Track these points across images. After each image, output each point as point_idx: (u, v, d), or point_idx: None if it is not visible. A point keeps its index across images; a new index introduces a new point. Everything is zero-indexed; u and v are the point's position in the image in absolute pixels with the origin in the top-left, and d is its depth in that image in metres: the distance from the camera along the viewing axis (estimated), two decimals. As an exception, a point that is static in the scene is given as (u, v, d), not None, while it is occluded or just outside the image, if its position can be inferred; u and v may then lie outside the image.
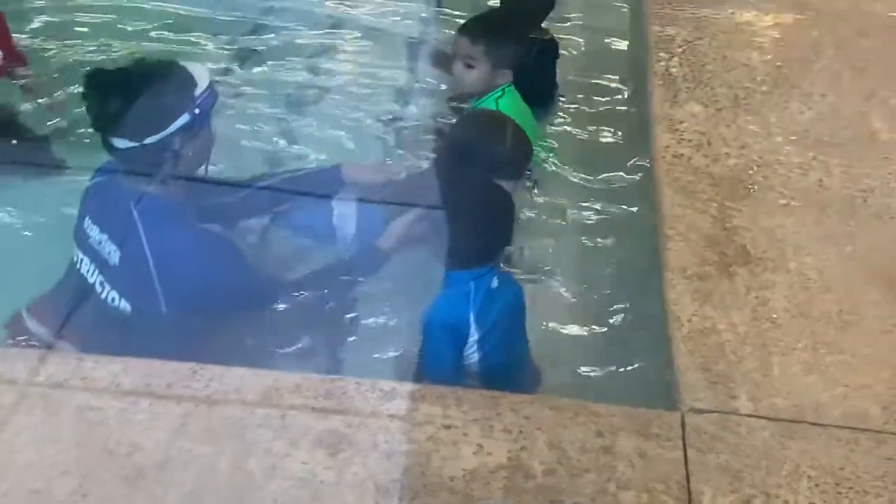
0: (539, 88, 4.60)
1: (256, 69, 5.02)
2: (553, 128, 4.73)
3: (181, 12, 5.39)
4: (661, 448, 2.76)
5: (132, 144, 3.23)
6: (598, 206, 4.32)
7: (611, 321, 3.80)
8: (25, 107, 4.57)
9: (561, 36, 5.09)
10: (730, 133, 4.07)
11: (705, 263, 3.42)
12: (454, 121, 4.44)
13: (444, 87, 4.82)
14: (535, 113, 4.30)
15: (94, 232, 3.33)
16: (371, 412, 2.79)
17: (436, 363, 3.22)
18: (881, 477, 2.74)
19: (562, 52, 4.98)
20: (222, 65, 4.96)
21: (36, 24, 5.23)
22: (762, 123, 4.13)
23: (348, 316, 3.62)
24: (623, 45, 5.31)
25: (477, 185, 3.42)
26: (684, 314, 3.22)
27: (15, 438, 2.67)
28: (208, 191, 3.50)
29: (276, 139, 4.52)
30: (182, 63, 3.44)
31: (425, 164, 4.17)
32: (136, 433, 2.69)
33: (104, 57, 4.88)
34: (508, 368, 3.28)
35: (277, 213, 3.83)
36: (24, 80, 4.54)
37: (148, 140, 3.23)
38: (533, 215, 4.15)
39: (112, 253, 3.29)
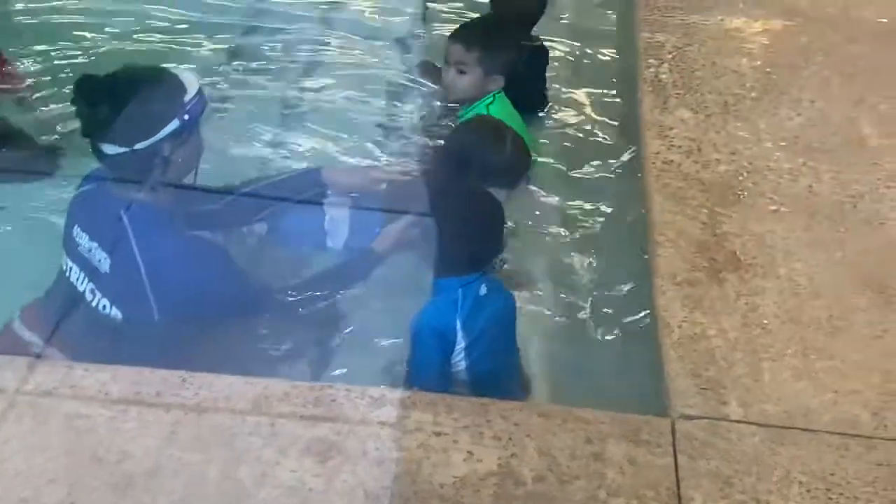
0: (529, 95, 4.60)
1: (245, 75, 5.01)
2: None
3: (169, 16, 5.37)
4: (652, 454, 2.76)
5: (122, 150, 3.22)
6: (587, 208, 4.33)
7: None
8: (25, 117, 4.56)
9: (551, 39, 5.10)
10: (719, 139, 4.07)
11: (695, 269, 3.42)
12: (447, 127, 4.44)
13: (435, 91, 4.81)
14: (525, 119, 4.30)
15: (83, 240, 3.32)
16: (361, 419, 2.78)
17: (423, 370, 3.22)
18: (871, 482, 2.74)
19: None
20: (211, 68, 4.94)
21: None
22: (752, 129, 4.14)
23: (340, 322, 3.61)
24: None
25: (468, 191, 3.42)
26: (674, 320, 3.22)
27: (3, 447, 2.65)
28: (193, 198, 3.48)
29: (265, 144, 4.51)
30: (171, 69, 3.44)
31: (408, 169, 4.17)
32: (126, 441, 2.68)
33: (88, 59, 4.88)
34: (497, 376, 3.27)
35: (273, 221, 3.82)
36: (20, 94, 4.54)
37: (138, 145, 3.22)
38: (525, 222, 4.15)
39: (102, 261, 3.28)
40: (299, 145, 4.52)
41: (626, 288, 3.84)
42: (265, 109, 4.75)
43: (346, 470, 2.63)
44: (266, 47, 5.25)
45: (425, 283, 3.36)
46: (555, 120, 4.86)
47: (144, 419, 2.74)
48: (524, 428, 2.80)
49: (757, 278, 3.40)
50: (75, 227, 3.36)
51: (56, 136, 4.40)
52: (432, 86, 4.81)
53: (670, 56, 4.61)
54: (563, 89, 5.03)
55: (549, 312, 3.80)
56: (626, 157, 4.47)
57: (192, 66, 4.63)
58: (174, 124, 3.24)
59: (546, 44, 4.92)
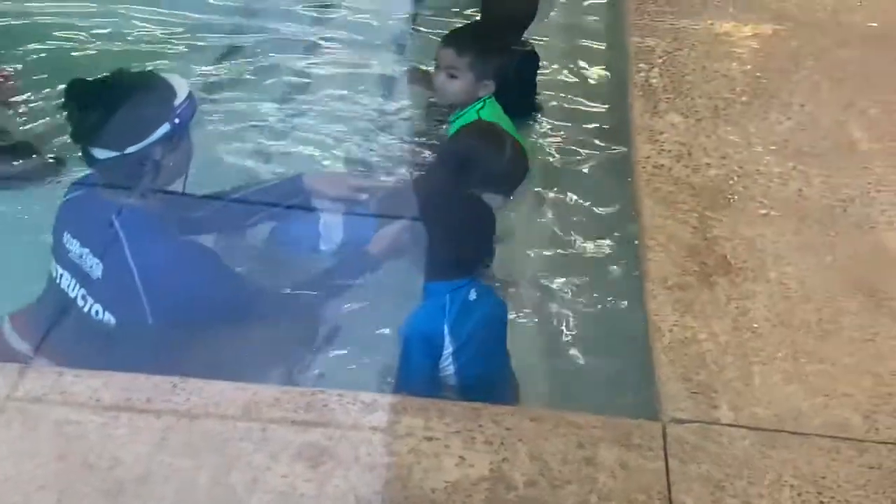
0: (519, 100, 4.60)
1: (235, 82, 5.01)
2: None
3: (161, 18, 5.37)
4: (643, 458, 2.76)
5: (113, 154, 3.22)
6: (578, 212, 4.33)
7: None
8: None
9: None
10: (710, 143, 4.08)
11: (686, 273, 3.43)
12: (437, 131, 4.44)
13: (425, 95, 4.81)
14: (515, 124, 4.30)
15: (74, 246, 3.31)
16: (352, 424, 2.78)
17: (411, 375, 3.22)
18: (863, 486, 2.74)
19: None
20: (200, 73, 4.94)
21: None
22: (742, 134, 4.15)
23: (332, 326, 3.61)
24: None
25: (458, 196, 3.42)
26: (665, 324, 3.22)
27: (-6, 453, 2.66)
28: (181, 203, 3.48)
29: (254, 148, 4.52)
30: (161, 73, 3.45)
31: (390, 178, 4.17)
32: (116, 447, 2.68)
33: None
34: (485, 381, 3.27)
35: (266, 225, 3.81)
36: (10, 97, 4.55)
37: (129, 150, 3.22)
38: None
39: (94, 267, 3.28)
40: (289, 150, 4.52)
41: (617, 292, 3.84)
42: (255, 113, 4.75)
43: (338, 475, 2.63)
44: (258, 50, 5.25)
45: (418, 286, 3.36)
46: (545, 125, 4.85)
47: (135, 425, 2.74)
48: (516, 432, 2.80)
49: (747, 282, 3.41)
50: (65, 233, 3.35)
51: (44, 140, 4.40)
52: (422, 91, 4.81)
53: (661, 60, 4.61)
54: (553, 94, 5.03)
55: (538, 319, 3.80)
56: (616, 161, 4.46)
57: (180, 69, 4.64)
58: (165, 128, 3.25)
59: (536, 48, 4.92)
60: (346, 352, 3.59)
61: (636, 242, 3.66)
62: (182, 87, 3.32)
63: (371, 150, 4.59)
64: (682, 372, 3.06)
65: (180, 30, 5.36)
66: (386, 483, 2.62)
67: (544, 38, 5.31)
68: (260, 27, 5.46)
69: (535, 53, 4.89)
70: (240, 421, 2.77)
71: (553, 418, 2.88)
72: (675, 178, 3.87)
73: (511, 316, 3.53)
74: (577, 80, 5.20)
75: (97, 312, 3.28)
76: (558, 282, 4.00)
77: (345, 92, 4.96)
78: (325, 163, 4.44)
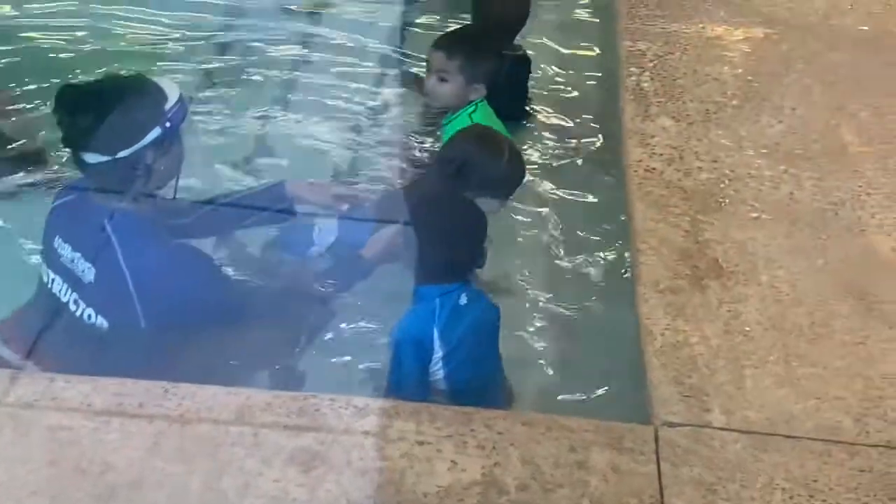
0: (511, 104, 4.61)
1: (225, 86, 5.01)
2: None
3: (150, 25, 5.37)
4: (635, 462, 2.76)
5: (104, 159, 3.22)
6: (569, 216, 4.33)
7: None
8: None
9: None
10: (701, 147, 4.08)
11: (678, 277, 3.43)
12: (429, 134, 4.44)
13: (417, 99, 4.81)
14: (508, 128, 4.30)
15: (65, 251, 3.31)
16: (344, 429, 2.78)
17: (401, 379, 3.21)
18: (854, 489, 2.75)
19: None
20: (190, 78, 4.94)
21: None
22: (733, 137, 4.15)
23: (325, 330, 3.61)
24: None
25: (450, 200, 3.41)
26: (657, 328, 3.23)
27: (-15, 459, 2.65)
28: (169, 208, 3.48)
29: (245, 152, 4.51)
30: (151, 77, 3.45)
31: (371, 188, 4.18)
32: (108, 453, 2.67)
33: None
34: (476, 385, 3.27)
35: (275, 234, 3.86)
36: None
37: (120, 154, 3.22)
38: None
39: (86, 271, 3.27)
40: (279, 153, 4.52)
41: (609, 297, 3.84)
42: (245, 117, 4.74)
43: (330, 480, 2.63)
44: (249, 53, 5.25)
45: (411, 290, 3.36)
46: (536, 129, 4.86)
47: (127, 430, 2.74)
48: (508, 437, 2.80)
49: (739, 285, 3.42)
50: (56, 238, 3.35)
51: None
52: (414, 94, 4.81)
53: (652, 64, 4.61)
54: (545, 98, 5.03)
55: (530, 321, 3.81)
56: (607, 164, 4.47)
57: (171, 74, 4.66)
58: (156, 132, 3.24)
59: (528, 53, 4.93)
60: (338, 356, 3.59)
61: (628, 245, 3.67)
62: (173, 90, 3.32)
63: (362, 153, 4.59)
64: (673, 375, 3.06)
65: (169, 32, 5.35)
66: (378, 487, 2.63)
67: (539, 40, 5.31)
68: (250, 28, 5.45)
69: (527, 58, 4.89)
70: (232, 426, 2.77)
71: (545, 422, 2.88)
72: (667, 181, 3.88)
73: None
74: (570, 83, 5.20)
75: (90, 316, 3.28)
76: (551, 284, 4.00)
77: (336, 94, 4.96)
78: (315, 167, 4.42)
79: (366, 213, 3.83)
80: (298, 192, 3.84)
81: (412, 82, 4.85)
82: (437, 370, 3.21)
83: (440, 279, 3.23)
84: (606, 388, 3.53)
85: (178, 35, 5.31)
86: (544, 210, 4.36)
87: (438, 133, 4.33)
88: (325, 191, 3.91)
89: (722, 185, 3.87)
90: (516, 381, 3.48)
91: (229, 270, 3.66)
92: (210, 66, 5.15)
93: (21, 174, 4.26)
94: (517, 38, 4.81)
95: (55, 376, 2.93)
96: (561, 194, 4.46)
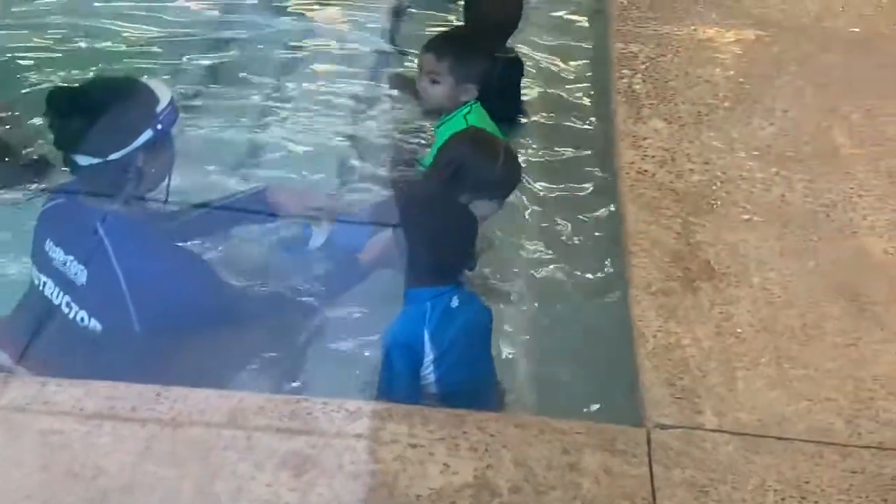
0: (504, 106, 4.61)
1: (215, 90, 5.01)
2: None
3: (140, 32, 5.37)
4: (627, 464, 2.76)
5: (95, 161, 3.22)
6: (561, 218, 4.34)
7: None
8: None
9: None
10: (693, 149, 4.09)
11: (670, 279, 3.44)
12: (422, 137, 4.44)
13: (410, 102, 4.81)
14: (501, 130, 4.30)
15: (57, 254, 3.31)
16: (336, 432, 2.78)
17: (392, 382, 3.21)
18: (846, 490, 2.76)
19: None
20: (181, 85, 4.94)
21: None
22: (725, 139, 4.16)
23: (319, 333, 3.60)
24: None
25: (439, 202, 3.42)
26: (649, 330, 3.23)
27: (-23, 463, 2.65)
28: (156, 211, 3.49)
29: (234, 155, 4.51)
30: (143, 80, 3.45)
31: (352, 199, 4.18)
32: (100, 457, 2.67)
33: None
34: (467, 389, 3.26)
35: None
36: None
37: (112, 156, 3.22)
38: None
39: (79, 273, 3.27)
40: (269, 157, 4.52)
41: (602, 300, 3.84)
42: (235, 122, 4.74)
43: (322, 483, 2.63)
44: (240, 58, 5.24)
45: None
46: (529, 131, 4.86)
47: (119, 434, 2.73)
48: (500, 439, 2.80)
49: (730, 287, 3.42)
50: (47, 241, 3.34)
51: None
52: (406, 96, 4.81)
53: (644, 66, 4.63)
54: (537, 100, 5.03)
55: (522, 324, 3.81)
56: (599, 167, 4.47)
57: (164, 76, 4.66)
58: (147, 134, 3.24)
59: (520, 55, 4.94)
60: (331, 359, 3.58)
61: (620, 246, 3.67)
62: (164, 92, 3.32)
63: (354, 155, 4.59)
64: (665, 377, 3.07)
65: (161, 34, 5.35)
66: (370, 490, 2.63)
67: (531, 42, 5.32)
68: (242, 28, 5.45)
69: (520, 60, 4.90)
70: (224, 429, 2.77)
71: (537, 424, 2.89)
72: (659, 183, 3.88)
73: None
74: (562, 84, 5.20)
75: (82, 319, 3.28)
76: (542, 286, 4.00)
77: (327, 95, 4.96)
78: (304, 172, 4.43)
79: (363, 217, 3.85)
80: (278, 199, 3.85)
81: (404, 84, 4.85)
82: (429, 373, 3.21)
83: (430, 281, 3.23)
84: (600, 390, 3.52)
85: (169, 33, 5.31)
86: (537, 211, 4.35)
87: (432, 134, 4.33)
88: (305, 198, 3.92)
89: (714, 187, 3.88)
90: (507, 383, 3.49)
91: (234, 273, 3.66)
92: (202, 64, 5.15)
93: (31, 185, 4.24)
94: (510, 40, 4.81)
95: (47, 380, 2.93)
96: (554, 196, 4.46)
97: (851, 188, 3.92)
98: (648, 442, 2.85)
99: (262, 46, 5.32)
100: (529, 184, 4.37)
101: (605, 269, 3.96)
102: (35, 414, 2.79)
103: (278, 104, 4.92)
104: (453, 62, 4.12)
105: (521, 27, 4.87)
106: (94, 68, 4.84)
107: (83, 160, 3.23)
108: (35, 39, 5.23)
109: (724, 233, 3.66)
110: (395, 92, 4.94)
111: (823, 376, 3.12)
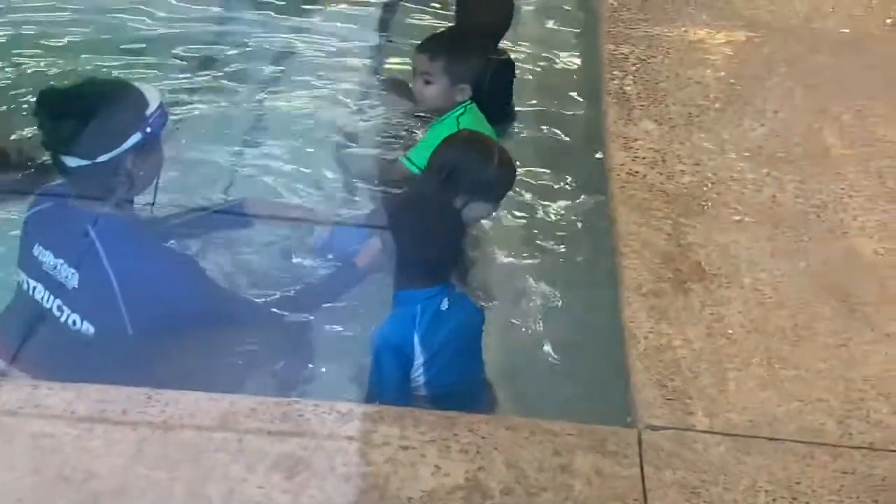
0: (496, 107, 4.61)
1: (207, 93, 5.00)
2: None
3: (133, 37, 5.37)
4: (619, 465, 2.77)
5: (84, 163, 3.21)
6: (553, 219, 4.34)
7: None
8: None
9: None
10: (684, 150, 4.10)
11: (660, 280, 3.44)
12: (416, 138, 4.45)
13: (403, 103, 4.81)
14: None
15: (46, 258, 3.30)
16: (328, 434, 2.78)
17: (382, 384, 3.21)
18: (837, 491, 2.76)
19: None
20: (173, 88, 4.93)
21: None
22: (716, 140, 4.17)
23: (312, 336, 3.60)
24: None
25: (425, 202, 3.42)
26: (640, 331, 3.24)
27: (-32, 467, 2.64)
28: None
29: (226, 158, 4.50)
30: (133, 83, 3.45)
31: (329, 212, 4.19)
32: (92, 460, 2.67)
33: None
34: (456, 391, 3.26)
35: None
36: None
37: (100, 158, 3.21)
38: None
39: (70, 277, 3.26)
40: (260, 161, 4.52)
41: (592, 301, 3.84)
42: (227, 125, 4.73)
43: (314, 485, 2.63)
44: (231, 62, 5.23)
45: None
46: (521, 132, 4.86)
47: (110, 437, 2.73)
48: (491, 441, 2.80)
49: (721, 288, 3.43)
50: (36, 245, 3.33)
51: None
52: (399, 98, 4.81)
53: (634, 68, 4.63)
54: (529, 101, 5.04)
55: (512, 325, 3.82)
56: (591, 169, 4.47)
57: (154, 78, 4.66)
58: (136, 137, 3.24)
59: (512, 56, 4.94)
60: (323, 361, 3.58)
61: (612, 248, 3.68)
62: (153, 96, 3.32)
63: (346, 157, 4.59)
64: (657, 379, 3.07)
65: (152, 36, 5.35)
66: (362, 493, 2.62)
67: (522, 44, 5.32)
68: (234, 33, 5.45)
69: (511, 61, 4.90)
70: (215, 432, 2.76)
71: (529, 426, 2.88)
72: (650, 184, 3.89)
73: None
74: (554, 86, 5.20)
75: (74, 322, 3.27)
76: (535, 288, 4.01)
77: (320, 98, 4.96)
78: (300, 170, 4.43)
79: (359, 220, 3.86)
80: (257, 210, 3.86)
81: (397, 85, 4.85)
82: (418, 376, 3.21)
83: (420, 283, 3.23)
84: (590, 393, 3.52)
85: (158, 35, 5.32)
86: (527, 209, 4.36)
87: (425, 136, 4.33)
88: (283, 211, 3.95)
89: (705, 189, 3.88)
90: (497, 385, 3.49)
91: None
92: (194, 65, 5.16)
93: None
94: (501, 42, 4.82)
95: (38, 383, 2.93)
96: (546, 197, 4.46)
97: (842, 189, 3.93)
98: (640, 443, 2.85)
99: (252, 46, 5.33)
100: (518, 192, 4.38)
101: (596, 270, 3.96)
102: (26, 417, 2.78)
103: (266, 108, 4.92)
104: (446, 62, 4.14)
105: (511, 28, 4.87)
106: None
107: (72, 161, 3.22)
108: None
109: (715, 234, 3.66)
110: (387, 93, 4.93)
111: (814, 377, 3.13)
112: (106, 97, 3.28)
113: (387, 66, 5.29)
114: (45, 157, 3.40)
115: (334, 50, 5.36)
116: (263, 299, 3.63)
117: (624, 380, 3.11)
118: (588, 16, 5.53)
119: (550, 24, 5.72)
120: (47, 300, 3.32)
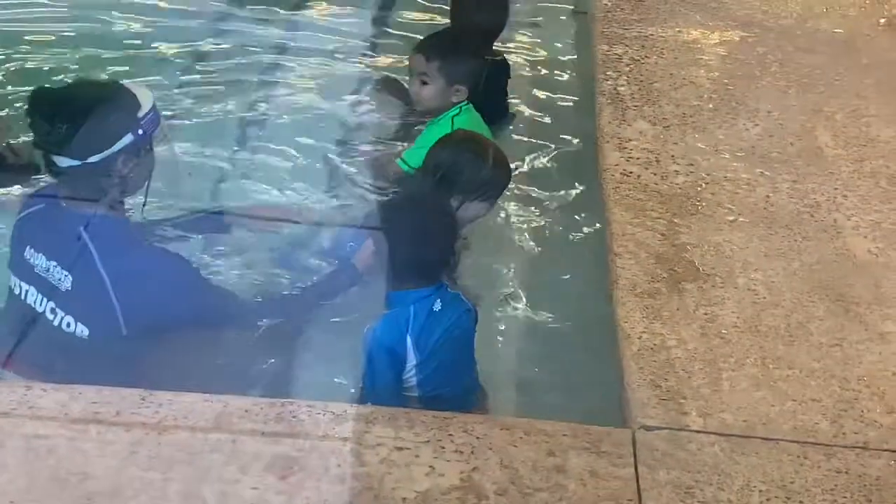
0: (492, 108, 4.61)
1: (201, 94, 4.99)
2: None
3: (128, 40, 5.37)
4: (613, 466, 2.77)
5: (75, 163, 3.21)
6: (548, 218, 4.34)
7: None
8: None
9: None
10: (678, 150, 4.10)
11: (655, 280, 3.45)
12: (411, 138, 4.45)
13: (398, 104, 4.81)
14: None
15: (39, 261, 3.29)
16: (322, 435, 2.78)
17: (375, 386, 3.21)
18: (831, 490, 2.76)
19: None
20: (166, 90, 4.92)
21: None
22: (709, 140, 4.18)
23: (306, 336, 3.60)
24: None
25: (418, 202, 3.43)
26: (634, 331, 3.24)
27: (-38, 469, 2.64)
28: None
29: (219, 160, 4.50)
30: (126, 84, 3.45)
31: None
32: (86, 461, 2.66)
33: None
34: (450, 392, 3.26)
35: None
36: None
37: (91, 159, 3.21)
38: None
39: (63, 279, 3.26)
40: (253, 162, 4.52)
41: (586, 301, 3.84)
42: (221, 127, 4.73)
43: (309, 486, 2.63)
44: (226, 62, 5.23)
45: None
46: (516, 132, 4.86)
47: (104, 439, 2.72)
48: (486, 441, 2.80)
49: (716, 288, 3.43)
50: (27, 248, 3.33)
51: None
52: (394, 100, 4.82)
53: (628, 68, 4.64)
54: (523, 102, 5.04)
55: (505, 325, 3.82)
56: (585, 169, 4.47)
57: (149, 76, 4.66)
58: (128, 139, 3.24)
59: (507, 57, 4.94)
60: (318, 361, 3.57)
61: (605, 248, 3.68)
62: (146, 98, 3.32)
63: (341, 159, 4.58)
64: (651, 379, 3.07)
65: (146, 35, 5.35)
66: (356, 494, 2.62)
67: (517, 44, 5.33)
68: (227, 33, 5.45)
69: (506, 62, 4.91)
70: (210, 433, 2.76)
71: (523, 426, 2.89)
72: (644, 185, 3.89)
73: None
74: (548, 87, 5.21)
75: (68, 324, 3.27)
76: (531, 286, 4.01)
77: (314, 99, 4.95)
78: (294, 171, 4.43)
79: (357, 221, 3.87)
80: (233, 221, 3.88)
81: (392, 86, 4.85)
82: (411, 377, 3.21)
83: (413, 284, 3.23)
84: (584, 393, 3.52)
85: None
86: (524, 212, 4.36)
87: (419, 132, 4.34)
88: (267, 214, 3.97)
89: (698, 189, 3.89)
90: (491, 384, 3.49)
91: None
92: (187, 66, 5.15)
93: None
94: (496, 43, 4.82)
95: (32, 384, 2.92)
96: (540, 197, 4.46)
97: (836, 188, 3.94)
98: (634, 443, 2.85)
99: (245, 49, 5.32)
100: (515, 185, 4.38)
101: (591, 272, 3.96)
102: (20, 419, 2.78)
103: (261, 106, 4.92)
104: (443, 62, 4.14)
105: (505, 29, 4.88)
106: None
107: (63, 161, 3.22)
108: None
109: (709, 234, 3.67)
110: (382, 93, 4.93)
111: (808, 377, 3.13)
112: (98, 98, 3.28)
113: (382, 65, 5.28)
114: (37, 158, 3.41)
115: (329, 48, 5.36)
116: (260, 299, 3.63)
117: (618, 380, 3.12)
118: (582, 16, 5.52)
119: (544, 24, 5.71)
120: (40, 303, 3.31)
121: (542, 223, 4.33)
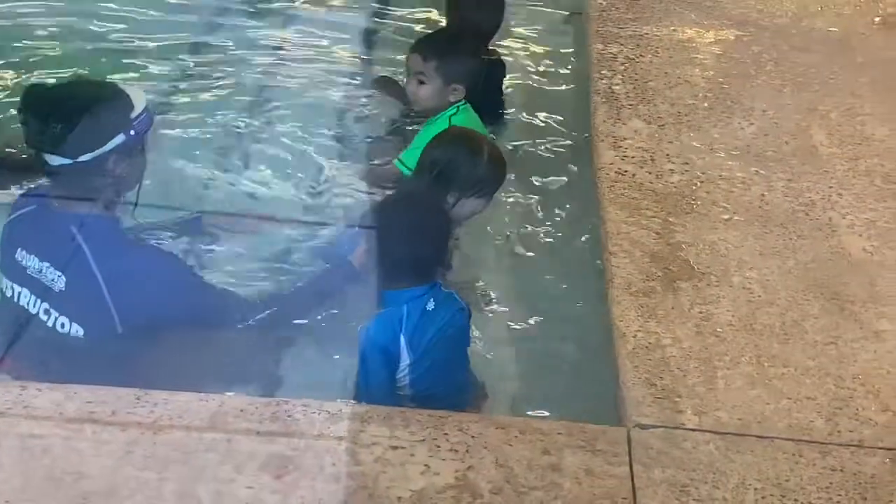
0: (488, 107, 4.61)
1: (196, 94, 4.99)
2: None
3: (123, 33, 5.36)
4: (608, 464, 2.77)
5: (66, 162, 3.21)
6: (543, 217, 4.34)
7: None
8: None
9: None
10: (673, 149, 4.11)
11: (650, 279, 3.45)
12: (409, 138, 4.45)
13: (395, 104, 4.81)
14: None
15: (31, 262, 3.29)
16: (317, 434, 2.78)
17: (369, 385, 3.21)
18: (826, 488, 2.77)
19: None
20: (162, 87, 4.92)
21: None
22: (705, 139, 4.18)
23: (302, 335, 3.60)
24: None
25: (413, 202, 3.43)
26: (629, 330, 3.24)
27: (-43, 469, 2.64)
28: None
29: (216, 160, 4.50)
30: (119, 84, 3.45)
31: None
32: (81, 461, 2.66)
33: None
34: (442, 391, 3.26)
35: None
36: None
37: (82, 158, 3.21)
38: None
39: (56, 280, 3.26)
40: (248, 162, 4.52)
41: (581, 299, 3.84)
42: (218, 126, 4.72)
43: (304, 485, 2.63)
44: (218, 67, 5.23)
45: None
46: (511, 132, 4.86)
47: (100, 438, 2.73)
48: (481, 440, 2.80)
49: (711, 287, 3.43)
50: (18, 250, 3.32)
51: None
52: (391, 100, 4.82)
53: (623, 67, 4.64)
54: (519, 101, 5.04)
55: (501, 323, 3.81)
56: (580, 168, 4.47)
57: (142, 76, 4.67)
58: (120, 138, 3.24)
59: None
60: (312, 359, 3.57)
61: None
62: (139, 99, 3.32)
63: (338, 158, 4.58)
64: (646, 377, 3.07)
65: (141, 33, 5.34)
66: (351, 493, 2.62)
67: (512, 44, 5.33)
68: (223, 28, 5.44)
69: (502, 61, 4.91)
70: (205, 432, 2.76)
71: (518, 425, 2.89)
72: (639, 184, 3.90)
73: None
74: (543, 86, 5.21)
75: (63, 325, 3.27)
76: (528, 285, 4.01)
77: (309, 99, 4.95)
78: (290, 173, 4.43)
79: (354, 220, 3.88)
80: (211, 231, 3.89)
81: (389, 86, 4.85)
82: (404, 376, 3.21)
83: (406, 283, 3.23)
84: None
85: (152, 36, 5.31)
86: (517, 209, 4.36)
87: (415, 132, 4.34)
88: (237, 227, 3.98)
89: (694, 187, 3.89)
90: (488, 383, 3.49)
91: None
92: (183, 65, 5.15)
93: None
94: (491, 42, 4.82)
95: (27, 384, 2.92)
96: (535, 196, 4.46)
97: (831, 187, 3.95)
98: (629, 441, 2.85)
99: (240, 49, 5.32)
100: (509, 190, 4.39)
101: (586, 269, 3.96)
102: (15, 418, 2.78)
103: (257, 107, 4.91)
104: (440, 62, 4.15)
105: (501, 29, 4.88)
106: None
107: (54, 160, 3.22)
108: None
109: (704, 232, 3.67)
110: (379, 92, 4.93)
111: (803, 375, 3.13)
112: (91, 97, 3.28)
113: (378, 64, 5.28)
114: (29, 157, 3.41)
115: (325, 45, 5.36)
116: (255, 297, 3.63)
117: (613, 378, 3.12)
118: (577, 15, 5.52)
119: (539, 23, 5.71)
120: (33, 305, 3.31)
121: (536, 221, 4.33)
